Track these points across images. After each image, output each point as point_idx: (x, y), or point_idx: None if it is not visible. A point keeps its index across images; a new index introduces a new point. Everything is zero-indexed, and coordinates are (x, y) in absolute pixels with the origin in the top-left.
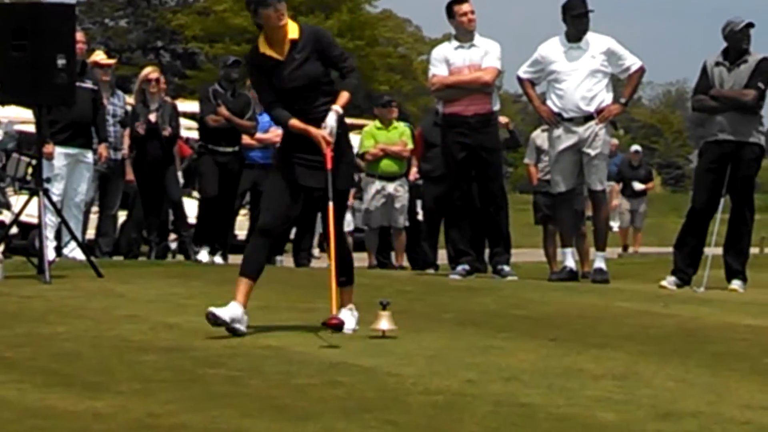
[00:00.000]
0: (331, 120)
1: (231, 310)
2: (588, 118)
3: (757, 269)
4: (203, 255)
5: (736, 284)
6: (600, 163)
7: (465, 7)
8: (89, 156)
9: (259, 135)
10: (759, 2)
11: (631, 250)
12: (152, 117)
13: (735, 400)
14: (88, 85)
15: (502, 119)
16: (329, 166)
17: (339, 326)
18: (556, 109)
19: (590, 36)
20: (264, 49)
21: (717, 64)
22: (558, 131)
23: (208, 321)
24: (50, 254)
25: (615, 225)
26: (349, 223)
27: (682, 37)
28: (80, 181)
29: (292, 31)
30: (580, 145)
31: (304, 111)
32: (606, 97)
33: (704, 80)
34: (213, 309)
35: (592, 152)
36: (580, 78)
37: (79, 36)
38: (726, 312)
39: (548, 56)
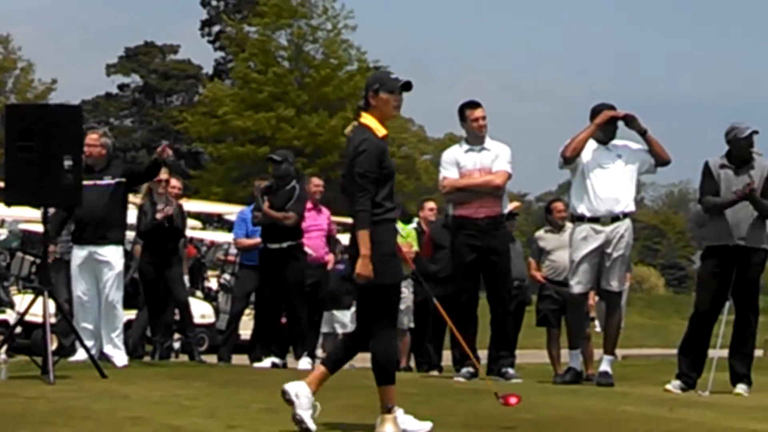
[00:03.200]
0: None
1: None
2: (615, 218)
3: (761, 372)
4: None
5: (741, 388)
6: (621, 265)
7: (477, 113)
8: (107, 253)
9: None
10: (756, 106)
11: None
12: (159, 216)
13: None
14: (107, 181)
15: (512, 205)
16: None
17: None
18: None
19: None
20: (382, 133)
21: (722, 166)
22: (584, 232)
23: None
24: (82, 354)
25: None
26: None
27: (684, 139)
28: (102, 278)
29: None
30: (604, 247)
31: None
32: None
33: (710, 181)
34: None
35: (615, 254)
36: (611, 178)
37: (95, 137)
38: (731, 416)
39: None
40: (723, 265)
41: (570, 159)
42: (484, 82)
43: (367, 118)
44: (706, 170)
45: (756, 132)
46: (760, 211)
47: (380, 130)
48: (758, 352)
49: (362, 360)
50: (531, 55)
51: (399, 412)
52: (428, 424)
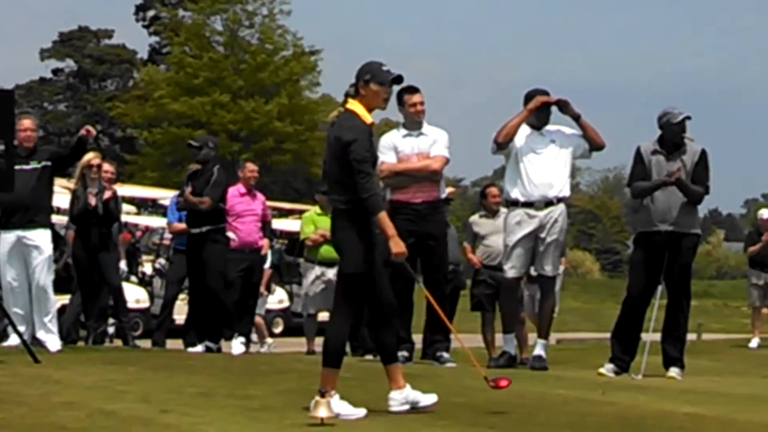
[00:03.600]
0: None
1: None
2: (549, 203)
3: (694, 356)
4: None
5: (674, 372)
6: (555, 250)
7: (416, 98)
8: (35, 237)
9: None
10: (689, 89)
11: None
12: (92, 201)
13: None
14: (33, 165)
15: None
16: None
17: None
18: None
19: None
20: (368, 121)
21: (654, 152)
22: (518, 217)
23: None
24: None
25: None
26: (259, 306)
27: (618, 125)
28: (31, 263)
29: None
30: (538, 231)
31: None
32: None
33: (640, 166)
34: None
35: (549, 238)
36: (545, 163)
37: (29, 123)
38: (664, 399)
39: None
40: (655, 250)
41: (503, 144)
42: (421, 67)
43: (354, 105)
44: (637, 155)
45: (688, 117)
46: (690, 197)
47: (367, 118)
48: (691, 336)
49: (298, 345)
50: (469, 41)
51: (335, 397)
52: (362, 411)
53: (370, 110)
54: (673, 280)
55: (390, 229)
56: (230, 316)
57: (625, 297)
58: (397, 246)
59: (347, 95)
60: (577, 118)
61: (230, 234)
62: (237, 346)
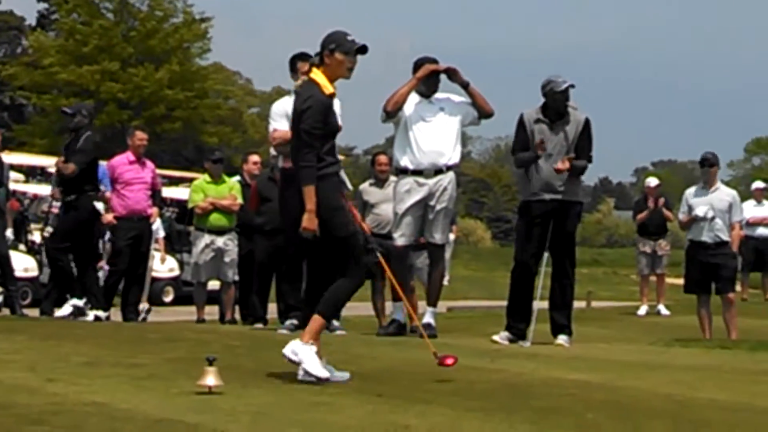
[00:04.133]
0: None
1: None
2: (438, 171)
3: (583, 323)
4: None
5: (561, 339)
6: (444, 218)
7: (308, 66)
8: None
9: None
10: (582, 59)
11: None
12: None
13: None
14: None
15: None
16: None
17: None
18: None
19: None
20: (329, 90)
21: (537, 120)
22: (407, 185)
23: None
24: None
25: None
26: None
27: (510, 93)
28: None
29: None
30: (427, 200)
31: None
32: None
33: (523, 136)
34: None
35: (439, 206)
36: (434, 132)
37: None
38: (552, 367)
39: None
40: (539, 219)
41: (392, 113)
42: (313, 35)
43: (317, 74)
44: (520, 124)
45: (572, 86)
46: (575, 171)
47: (328, 88)
48: (581, 304)
49: (188, 313)
50: (360, 8)
51: (314, 348)
52: (346, 374)
53: (333, 80)
54: (559, 248)
55: (310, 203)
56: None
57: (513, 266)
58: (310, 222)
59: (311, 64)
60: (465, 86)
61: (98, 204)
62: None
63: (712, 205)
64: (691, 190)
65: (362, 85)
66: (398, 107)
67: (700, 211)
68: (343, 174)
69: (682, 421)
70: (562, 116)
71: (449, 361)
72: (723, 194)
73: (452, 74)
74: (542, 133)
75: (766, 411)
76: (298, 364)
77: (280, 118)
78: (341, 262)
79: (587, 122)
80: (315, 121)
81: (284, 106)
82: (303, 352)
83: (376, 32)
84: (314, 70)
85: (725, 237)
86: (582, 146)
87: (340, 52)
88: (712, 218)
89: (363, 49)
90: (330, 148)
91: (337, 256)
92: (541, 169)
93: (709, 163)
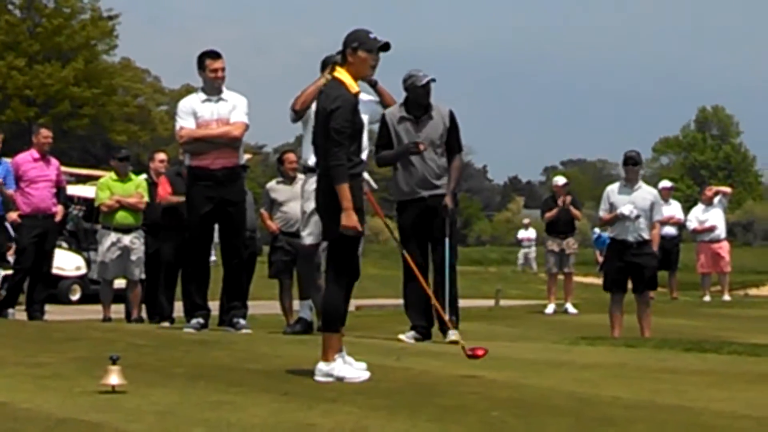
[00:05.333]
0: None
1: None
2: None
3: (491, 321)
4: None
5: (452, 335)
6: None
7: (217, 64)
8: None
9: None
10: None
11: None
12: None
13: None
14: None
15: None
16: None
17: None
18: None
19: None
20: (354, 89)
21: (401, 119)
22: (315, 183)
23: None
24: None
25: None
26: None
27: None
28: None
29: None
30: None
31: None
32: None
33: (385, 135)
34: None
35: None
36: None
37: None
38: (457, 365)
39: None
40: (419, 216)
41: (300, 112)
42: (223, 33)
43: (341, 73)
44: (383, 123)
45: (433, 80)
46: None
47: (353, 87)
48: (489, 302)
49: (95, 312)
50: (272, 7)
51: (339, 361)
52: (365, 374)
53: (357, 78)
54: (441, 243)
55: (347, 201)
56: None
57: (404, 266)
58: (349, 219)
59: (335, 63)
60: (374, 84)
61: None
62: None
63: (636, 204)
64: (613, 188)
65: (274, 84)
66: (306, 106)
67: (625, 210)
68: (366, 174)
69: (584, 419)
70: (426, 110)
71: (480, 352)
72: (645, 193)
73: None
74: (408, 132)
75: (667, 408)
76: (341, 380)
77: (187, 116)
78: (328, 263)
79: (452, 114)
80: (344, 120)
81: (191, 104)
82: (336, 370)
83: (291, 30)
84: (338, 69)
85: (647, 236)
86: (453, 139)
87: (363, 50)
88: (637, 217)
89: (386, 47)
90: (356, 148)
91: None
92: (415, 166)
93: (633, 161)
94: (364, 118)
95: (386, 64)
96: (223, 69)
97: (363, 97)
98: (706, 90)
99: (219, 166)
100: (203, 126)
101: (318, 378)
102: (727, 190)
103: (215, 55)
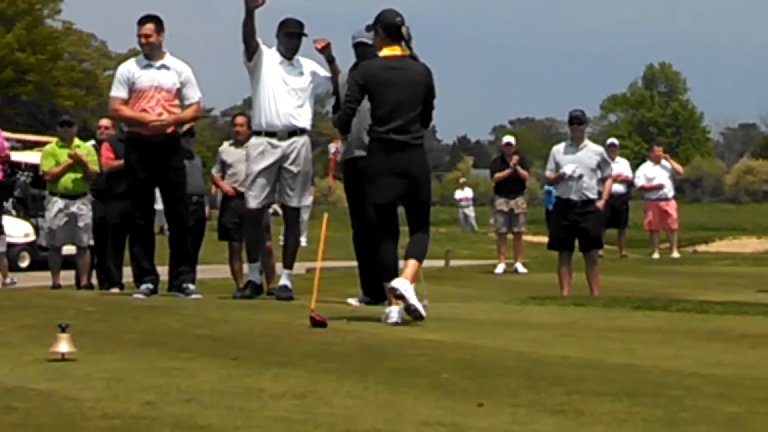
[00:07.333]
0: None
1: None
2: (292, 133)
3: (441, 282)
4: None
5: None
6: (300, 181)
7: (145, 29)
8: None
9: None
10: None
11: None
12: None
13: (412, 416)
14: None
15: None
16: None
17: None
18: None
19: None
20: None
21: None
22: (261, 146)
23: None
24: None
25: (304, 240)
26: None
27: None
28: None
29: None
30: (281, 162)
31: None
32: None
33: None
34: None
35: (294, 169)
36: (291, 94)
37: None
38: (407, 328)
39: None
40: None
41: (248, 41)
42: None
43: (404, 50)
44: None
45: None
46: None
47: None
48: (439, 263)
49: (45, 279)
50: None
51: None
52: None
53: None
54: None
55: None
56: None
57: (353, 233)
58: None
59: (403, 40)
60: (331, 61)
61: None
62: None
63: (581, 163)
64: (559, 147)
65: (221, 46)
66: (251, 35)
67: (567, 169)
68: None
69: (535, 378)
70: None
71: (319, 318)
72: (591, 152)
73: (325, 47)
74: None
75: (617, 367)
76: (402, 297)
77: (121, 85)
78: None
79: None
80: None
81: (129, 70)
82: (409, 289)
83: None
84: (396, 47)
85: (592, 195)
86: None
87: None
88: (580, 176)
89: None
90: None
91: None
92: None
93: (578, 120)
94: (312, 87)
95: (335, 28)
96: (153, 34)
97: (319, 70)
98: (653, 47)
99: (155, 133)
100: (139, 92)
101: (394, 284)
102: (680, 169)
103: (143, 19)
